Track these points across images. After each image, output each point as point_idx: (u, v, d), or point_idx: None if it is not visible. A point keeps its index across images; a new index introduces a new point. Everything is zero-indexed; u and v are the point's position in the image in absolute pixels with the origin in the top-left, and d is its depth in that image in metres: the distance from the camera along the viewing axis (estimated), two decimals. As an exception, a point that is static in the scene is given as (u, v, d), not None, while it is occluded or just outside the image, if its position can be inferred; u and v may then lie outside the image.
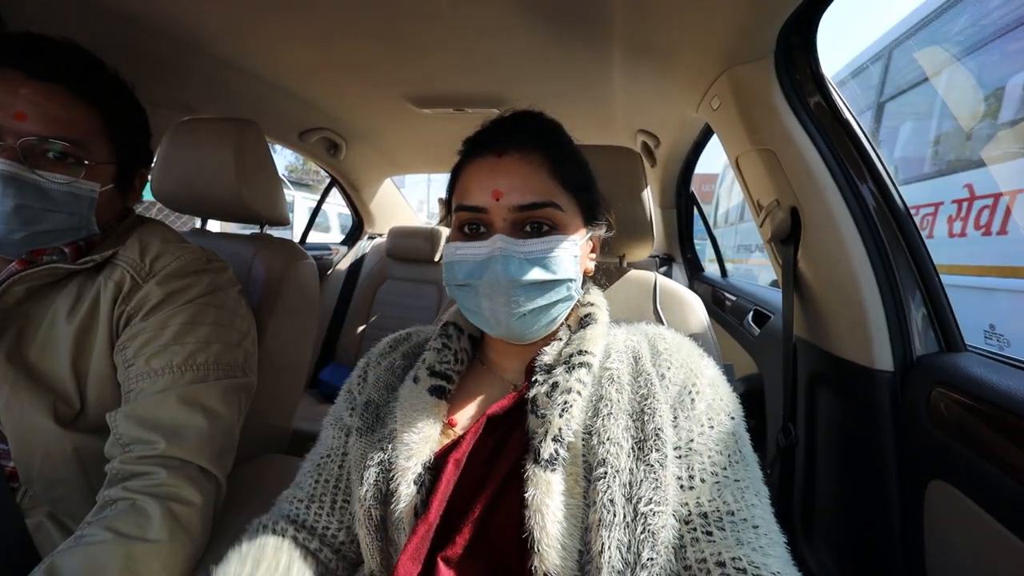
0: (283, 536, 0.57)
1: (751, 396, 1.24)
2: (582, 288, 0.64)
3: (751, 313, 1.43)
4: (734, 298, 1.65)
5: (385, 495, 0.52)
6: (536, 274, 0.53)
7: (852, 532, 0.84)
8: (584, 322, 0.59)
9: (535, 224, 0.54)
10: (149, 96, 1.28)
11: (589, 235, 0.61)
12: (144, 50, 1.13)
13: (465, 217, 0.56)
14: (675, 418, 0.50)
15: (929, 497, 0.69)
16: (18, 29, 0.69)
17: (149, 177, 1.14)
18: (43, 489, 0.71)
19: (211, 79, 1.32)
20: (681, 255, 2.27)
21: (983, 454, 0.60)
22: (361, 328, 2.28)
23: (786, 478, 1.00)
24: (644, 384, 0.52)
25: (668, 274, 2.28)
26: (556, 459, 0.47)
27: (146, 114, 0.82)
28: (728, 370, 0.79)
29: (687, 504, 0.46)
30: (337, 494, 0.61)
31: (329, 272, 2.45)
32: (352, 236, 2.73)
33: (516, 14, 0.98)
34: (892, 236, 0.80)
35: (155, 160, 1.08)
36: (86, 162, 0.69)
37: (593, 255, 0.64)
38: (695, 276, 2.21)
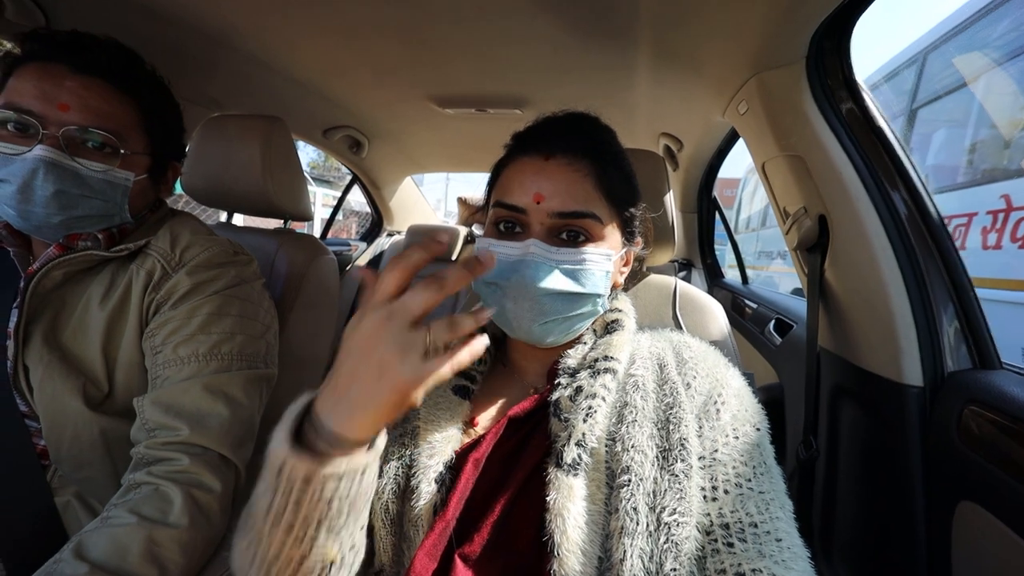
0: None
1: (770, 406, 1.21)
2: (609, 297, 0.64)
3: (773, 322, 1.40)
4: (755, 306, 1.62)
5: (404, 490, 0.53)
6: (565, 284, 0.52)
7: (874, 551, 0.81)
8: (611, 328, 0.59)
9: (572, 233, 0.54)
10: (178, 91, 1.32)
11: (624, 250, 0.60)
12: (173, 45, 1.16)
13: (503, 215, 0.55)
14: (700, 428, 0.50)
15: (958, 518, 0.67)
16: (61, 27, 0.73)
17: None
18: (71, 469, 0.73)
19: (238, 75, 1.35)
20: (701, 260, 2.24)
21: (1018, 476, 0.58)
22: (378, 324, 2.29)
23: (805, 492, 0.97)
24: (670, 392, 0.52)
25: (687, 279, 2.25)
26: (579, 464, 0.47)
27: (180, 109, 0.85)
28: (749, 379, 0.77)
29: (710, 515, 0.46)
30: None
31: (348, 268, 2.48)
32: (371, 233, 2.76)
33: (542, 21, 0.98)
34: (924, 246, 0.77)
35: (186, 155, 1.11)
36: (122, 152, 0.72)
37: (625, 268, 0.63)
38: (714, 282, 2.17)
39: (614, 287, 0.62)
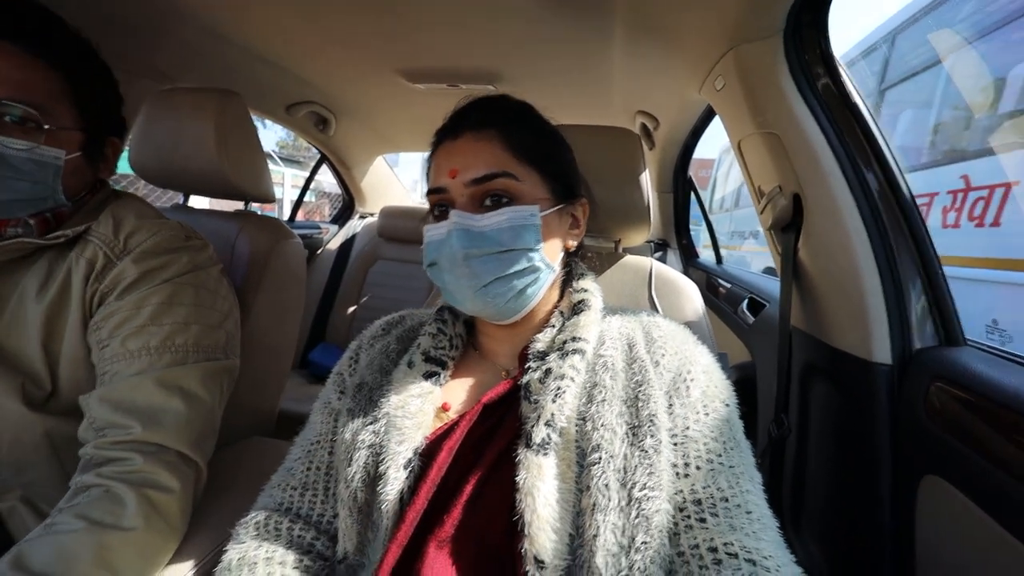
0: (276, 541, 0.55)
1: (743, 384, 1.24)
2: (568, 269, 0.64)
3: (746, 301, 1.41)
4: (729, 285, 1.64)
5: (373, 478, 0.52)
6: (490, 246, 0.53)
7: (842, 524, 0.84)
8: (577, 308, 0.59)
9: (495, 197, 0.54)
10: (126, 65, 1.22)
11: (560, 207, 0.59)
12: (118, 14, 1.06)
13: (432, 200, 0.58)
14: (670, 405, 0.51)
15: (922, 492, 0.69)
16: None
17: (127, 148, 1.09)
18: (13, 473, 0.68)
19: (188, 46, 1.26)
20: (677, 241, 2.25)
21: (980, 450, 0.59)
22: (352, 309, 2.24)
23: (776, 468, 1.00)
24: (638, 371, 0.52)
25: (663, 260, 2.26)
26: (548, 443, 0.47)
27: (114, 78, 0.77)
28: (722, 358, 0.77)
29: (682, 491, 0.46)
30: (329, 481, 0.60)
31: (319, 251, 2.40)
32: (343, 215, 2.67)
33: None
34: (896, 225, 0.78)
35: (133, 131, 1.03)
36: (46, 127, 0.65)
37: (576, 231, 0.63)
38: (690, 262, 2.19)
39: (567, 250, 0.62)
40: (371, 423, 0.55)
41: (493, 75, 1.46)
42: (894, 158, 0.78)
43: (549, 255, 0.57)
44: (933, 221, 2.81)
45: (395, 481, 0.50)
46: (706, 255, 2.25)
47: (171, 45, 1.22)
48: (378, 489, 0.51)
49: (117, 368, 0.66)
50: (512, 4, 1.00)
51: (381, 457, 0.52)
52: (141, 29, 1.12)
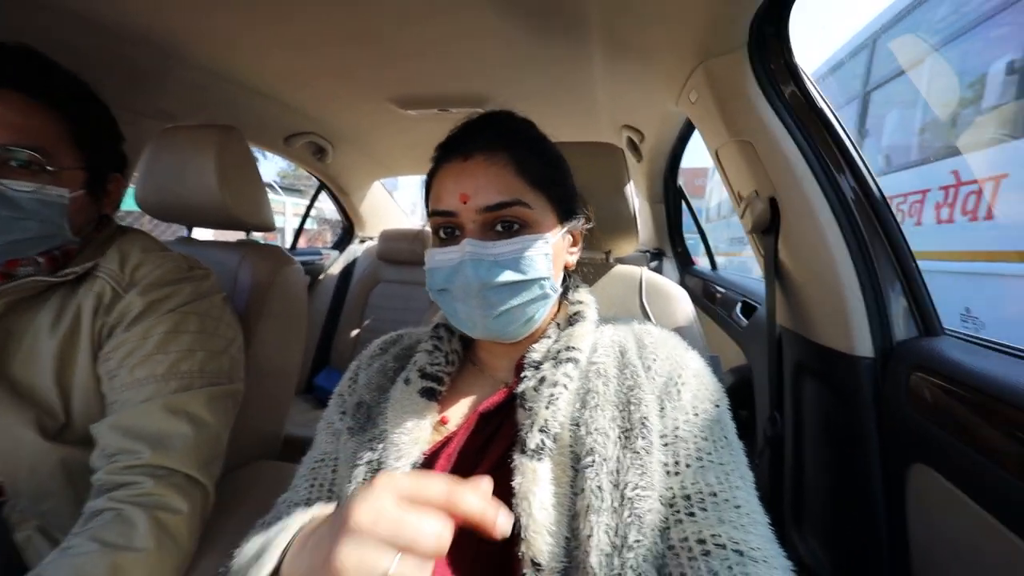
0: None
1: (741, 387, 1.25)
2: (566, 284, 0.65)
3: (739, 305, 1.43)
4: (724, 290, 1.66)
5: None
6: (507, 276, 0.53)
7: (838, 518, 0.84)
8: (572, 320, 0.60)
9: (506, 224, 0.55)
10: (131, 105, 1.28)
11: (565, 230, 0.61)
12: (124, 59, 1.12)
13: (438, 222, 0.57)
14: (662, 408, 0.51)
15: (911, 481, 0.70)
16: None
17: (132, 186, 1.14)
18: (31, 502, 0.71)
19: (192, 86, 1.32)
20: (672, 249, 2.27)
21: (961, 436, 0.61)
22: (355, 332, 2.27)
23: (775, 467, 1.00)
24: (630, 376, 0.53)
25: (659, 268, 2.28)
26: (543, 449, 0.48)
27: (112, 116, 0.80)
28: (714, 362, 0.79)
29: (672, 488, 0.47)
30: (332, 498, 0.61)
31: (321, 277, 2.44)
32: (343, 240, 2.72)
33: (494, 14, 0.98)
34: (870, 224, 0.80)
35: (138, 169, 1.08)
36: (50, 168, 0.68)
37: (574, 249, 0.65)
38: (686, 270, 2.21)
39: (566, 268, 0.63)
40: (369, 440, 0.56)
41: (481, 98, 1.51)
42: (863, 160, 0.82)
43: (556, 278, 0.58)
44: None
45: None
46: (704, 263, 2.27)
47: (174, 85, 1.28)
48: None
49: (126, 396, 0.69)
50: (494, 28, 1.05)
51: (380, 473, 0.53)
52: (147, 71, 1.18)
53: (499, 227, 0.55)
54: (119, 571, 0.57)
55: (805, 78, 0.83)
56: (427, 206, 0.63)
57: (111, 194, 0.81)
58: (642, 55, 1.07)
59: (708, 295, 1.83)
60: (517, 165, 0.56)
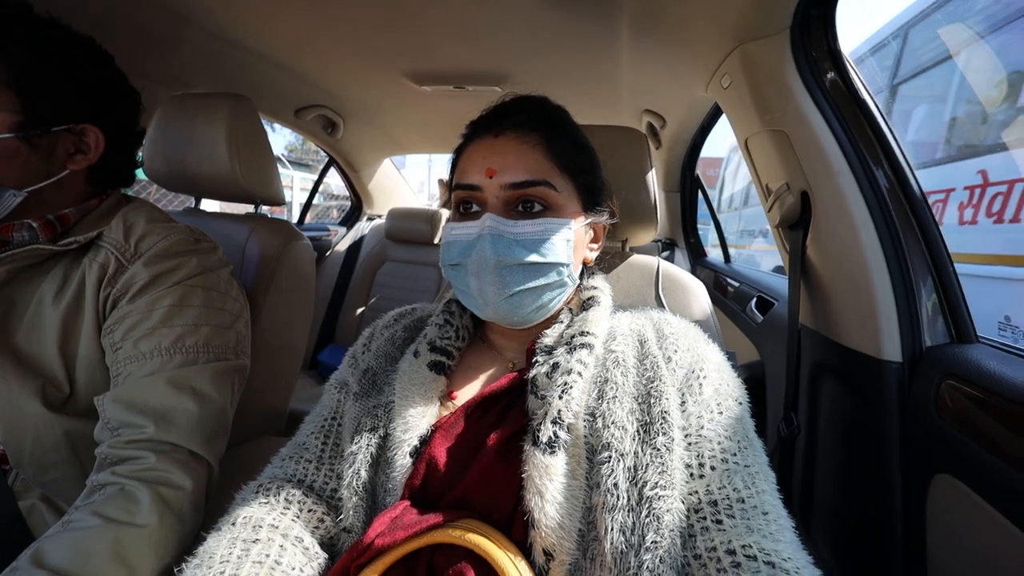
0: (285, 511, 0.54)
1: (752, 383, 1.22)
2: (582, 277, 0.63)
3: (754, 300, 1.40)
4: (737, 284, 1.63)
5: (376, 461, 0.53)
6: (524, 256, 0.52)
7: (852, 524, 0.83)
8: (586, 305, 0.59)
9: (528, 203, 0.54)
10: (142, 70, 1.25)
11: (588, 221, 0.59)
12: (136, 22, 1.09)
13: (461, 196, 0.56)
14: (683, 402, 0.50)
15: (933, 491, 0.68)
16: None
17: (140, 154, 1.11)
18: (35, 472, 0.70)
19: (203, 51, 1.28)
20: (684, 240, 2.23)
21: (993, 449, 0.58)
22: (360, 310, 2.26)
23: (786, 468, 0.99)
24: (650, 367, 0.52)
25: (670, 259, 2.25)
26: (556, 441, 0.47)
27: (84, 59, 0.71)
28: (731, 357, 0.77)
29: (696, 492, 0.46)
30: (338, 455, 0.60)
31: (328, 253, 2.42)
32: (351, 217, 2.69)
33: None
34: (906, 222, 0.77)
35: (146, 137, 1.05)
36: None
37: (595, 245, 0.63)
38: (697, 261, 2.18)
39: (585, 264, 0.62)
40: (374, 408, 0.56)
41: (500, 76, 1.46)
42: (903, 154, 0.77)
43: (575, 268, 0.57)
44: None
45: (402, 467, 0.51)
46: (715, 254, 2.23)
47: (186, 50, 1.25)
48: (387, 473, 0.52)
49: (130, 369, 0.67)
50: (518, 5, 1.00)
51: (387, 443, 0.53)
52: (157, 35, 1.15)
53: (522, 207, 0.54)
54: (121, 546, 0.56)
55: (848, 65, 0.79)
56: (450, 182, 0.62)
57: (88, 147, 0.72)
58: (674, 34, 1.01)
59: (720, 288, 1.80)
60: (548, 146, 0.55)
